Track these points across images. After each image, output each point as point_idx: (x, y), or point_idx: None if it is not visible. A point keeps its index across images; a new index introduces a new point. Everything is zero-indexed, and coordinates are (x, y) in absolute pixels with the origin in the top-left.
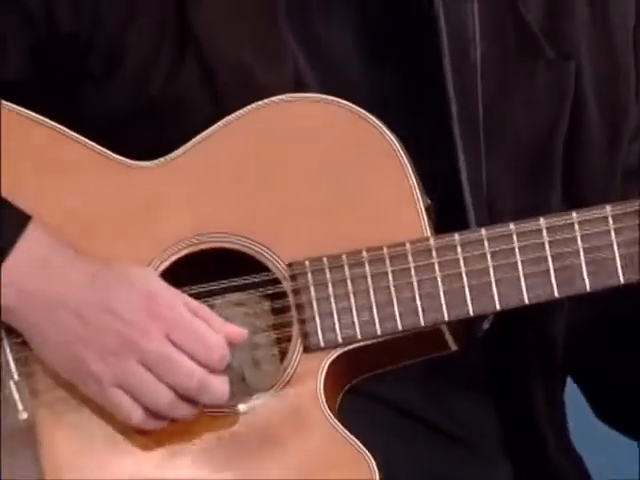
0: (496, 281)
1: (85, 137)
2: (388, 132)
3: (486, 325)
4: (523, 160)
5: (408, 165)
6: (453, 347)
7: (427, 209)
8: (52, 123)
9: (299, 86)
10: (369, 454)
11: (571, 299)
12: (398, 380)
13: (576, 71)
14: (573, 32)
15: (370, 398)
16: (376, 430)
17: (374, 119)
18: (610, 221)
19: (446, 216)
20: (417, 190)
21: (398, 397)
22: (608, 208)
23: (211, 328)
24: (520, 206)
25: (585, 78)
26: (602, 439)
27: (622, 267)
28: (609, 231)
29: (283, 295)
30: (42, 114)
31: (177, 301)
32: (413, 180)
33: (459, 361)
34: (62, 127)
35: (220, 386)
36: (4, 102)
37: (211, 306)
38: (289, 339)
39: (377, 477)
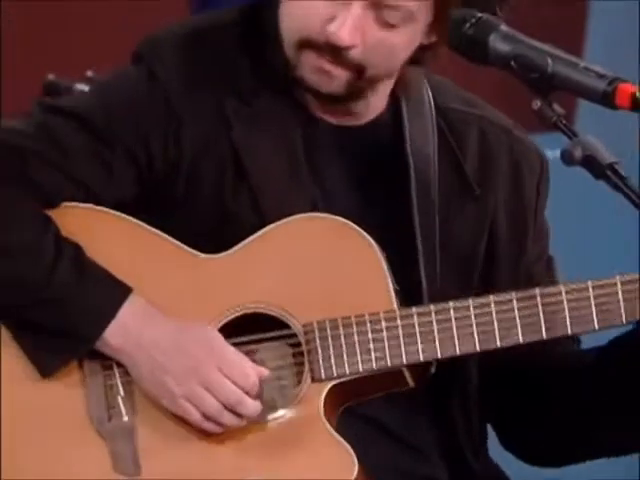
0: (439, 339)
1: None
2: (372, 240)
3: (433, 370)
4: (458, 264)
5: (384, 264)
6: (411, 384)
7: (396, 293)
8: (140, 222)
9: (313, 210)
10: (352, 452)
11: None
12: (373, 403)
13: (494, 206)
14: (496, 180)
15: (353, 415)
16: (354, 438)
17: (363, 232)
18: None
19: (407, 299)
20: (389, 280)
21: (373, 414)
22: (513, 294)
23: (247, 365)
24: (455, 294)
25: (500, 211)
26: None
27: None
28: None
29: (299, 344)
30: (141, 220)
31: (227, 346)
32: (387, 274)
33: (414, 394)
34: (154, 229)
35: (252, 403)
36: (113, 211)
37: (253, 350)
38: (302, 373)
39: (356, 468)
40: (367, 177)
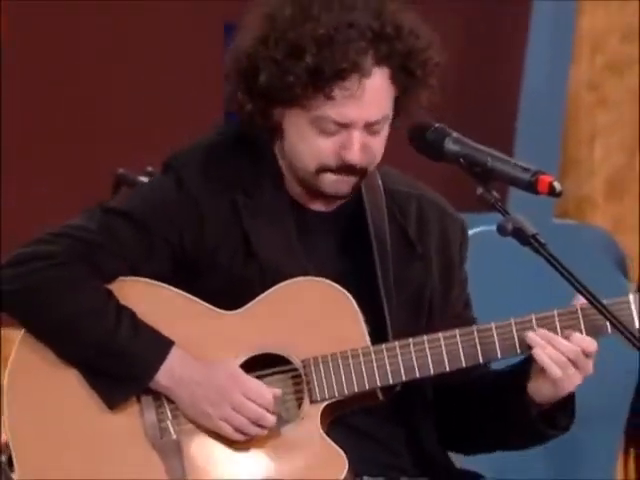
0: (403, 367)
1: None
2: (349, 295)
3: (398, 388)
4: (411, 306)
5: (359, 312)
6: (381, 398)
7: (368, 333)
8: (176, 289)
9: (305, 275)
10: (344, 455)
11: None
12: (354, 413)
13: (433, 262)
14: (429, 240)
15: (338, 424)
16: (341, 441)
17: (342, 289)
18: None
19: (377, 336)
20: (363, 324)
21: (354, 422)
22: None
23: (263, 388)
24: (410, 331)
25: (434, 265)
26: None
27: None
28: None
29: (299, 375)
30: (172, 285)
31: (247, 376)
32: (361, 319)
33: (384, 405)
34: (184, 292)
35: (270, 418)
36: (154, 281)
37: (265, 382)
38: (302, 397)
39: (346, 468)
40: (341, 248)
